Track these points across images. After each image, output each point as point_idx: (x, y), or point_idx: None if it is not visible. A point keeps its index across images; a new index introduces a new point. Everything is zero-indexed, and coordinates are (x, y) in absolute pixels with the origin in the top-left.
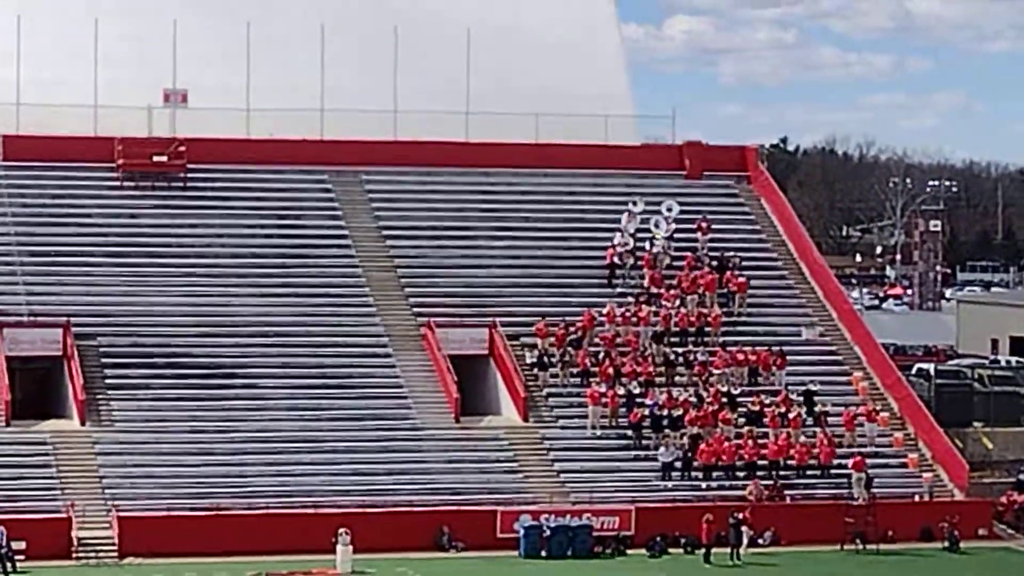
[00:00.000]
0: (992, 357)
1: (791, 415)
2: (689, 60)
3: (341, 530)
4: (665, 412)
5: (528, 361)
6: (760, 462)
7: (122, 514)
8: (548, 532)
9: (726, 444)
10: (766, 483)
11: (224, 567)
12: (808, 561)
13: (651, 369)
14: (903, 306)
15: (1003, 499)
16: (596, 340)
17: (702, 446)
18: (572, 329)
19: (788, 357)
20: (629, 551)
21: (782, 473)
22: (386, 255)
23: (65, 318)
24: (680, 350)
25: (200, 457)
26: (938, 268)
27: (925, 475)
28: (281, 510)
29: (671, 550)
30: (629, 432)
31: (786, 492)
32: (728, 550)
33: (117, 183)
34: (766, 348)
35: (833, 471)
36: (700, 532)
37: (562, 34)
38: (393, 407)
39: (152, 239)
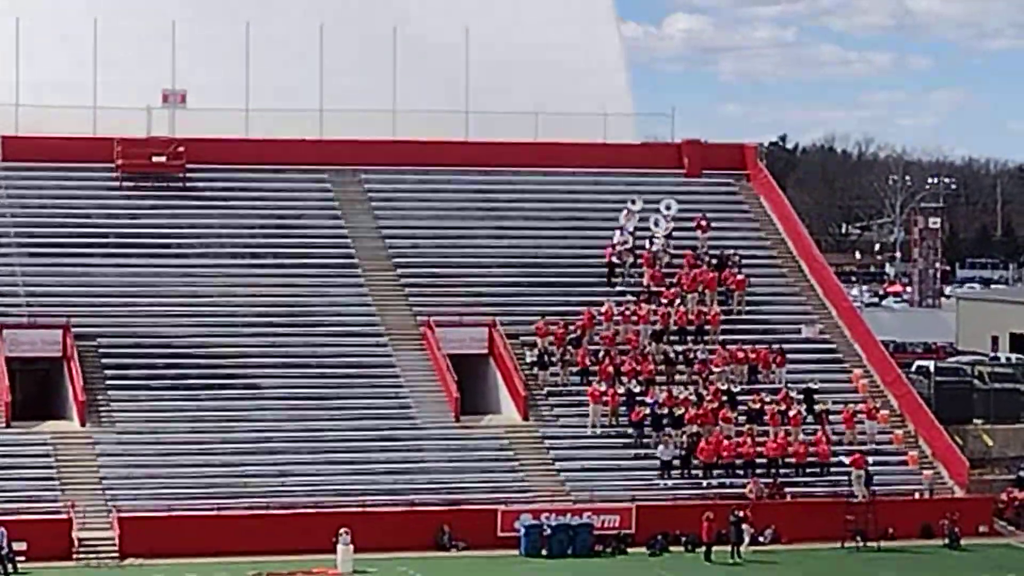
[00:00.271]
0: (992, 354)
1: (791, 413)
2: (688, 58)
3: (342, 530)
4: (665, 410)
5: (528, 360)
6: (759, 460)
7: (122, 515)
8: (549, 531)
9: (726, 442)
10: (766, 481)
11: (225, 567)
12: (808, 559)
13: (651, 368)
14: (903, 303)
15: (1003, 496)
16: (596, 339)
17: (702, 444)
18: (572, 328)
19: (788, 355)
20: (630, 549)
21: (782, 471)
22: (385, 255)
23: (65, 319)
24: (680, 348)
25: (200, 457)
26: (937, 265)
27: (925, 472)
28: (282, 510)
29: (672, 548)
30: (629, 431)
31: (786, 490)
32: (729, 548)
33: (116, 184)
34: (766, 346)
35: (833, 469)
36: (701, 530)
37: (561, 33)
38: (393, 406)
39: (151, 239)
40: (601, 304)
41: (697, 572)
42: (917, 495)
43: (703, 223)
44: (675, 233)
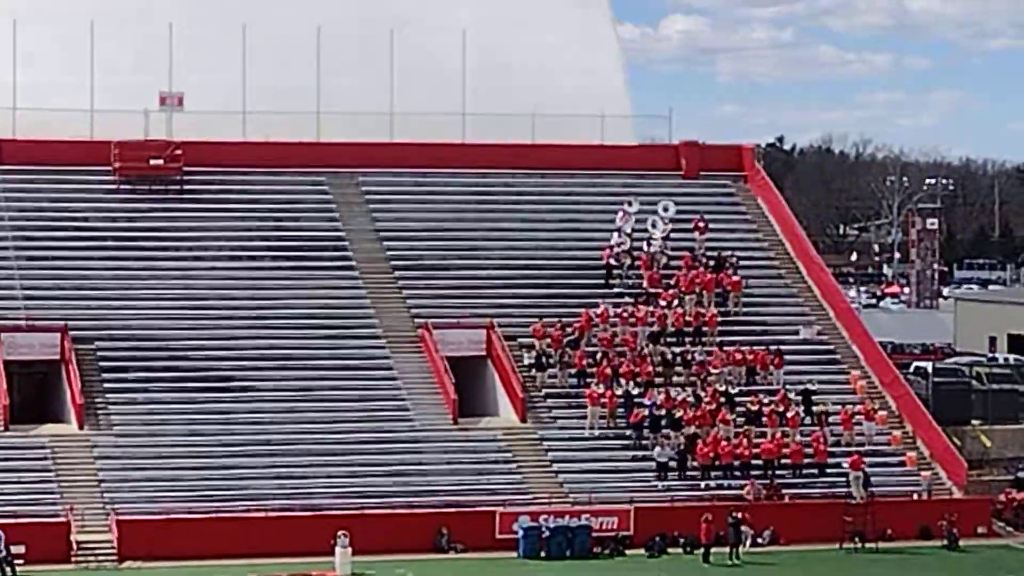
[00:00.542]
0: (990, 355)
1: (789, 414)
2: (685, 60)
3: (340, 532)
4: (663, 412)
5: (526, 362)
6: (757, 461)
7: (121, 517)
8: (547, 533)
9: (723, 443)
10: (763, 482)
11: (223, 570)
12: (807, 560)
13: (649, 369)
14: (900, 304)
15: (1002, 497)
16: (594, 341)
17: (700, 446)
18: (569, 330)
19: (786, 356)
20: (628, 551)
21: (780, 472)
22: (383, 257)
23: (63, 322)
24: (678, 350)
25: (198, 460)
26: (935, 266)
27: (923, 473)
28: (280, 513)
29: (670, 550)
30: (628, 432)
31: (784, 491)
32: (727, 549)
33: (114, 187)
34: (764, 347)
35: (831, 470)
36: (699, 532)
37: (558, 35)
38: (391, 409)
39: (149, 242)
40: (599, 306)
41: (695, 573)
42: (915, 496)
43: (701, 224)
44: (673, 234)
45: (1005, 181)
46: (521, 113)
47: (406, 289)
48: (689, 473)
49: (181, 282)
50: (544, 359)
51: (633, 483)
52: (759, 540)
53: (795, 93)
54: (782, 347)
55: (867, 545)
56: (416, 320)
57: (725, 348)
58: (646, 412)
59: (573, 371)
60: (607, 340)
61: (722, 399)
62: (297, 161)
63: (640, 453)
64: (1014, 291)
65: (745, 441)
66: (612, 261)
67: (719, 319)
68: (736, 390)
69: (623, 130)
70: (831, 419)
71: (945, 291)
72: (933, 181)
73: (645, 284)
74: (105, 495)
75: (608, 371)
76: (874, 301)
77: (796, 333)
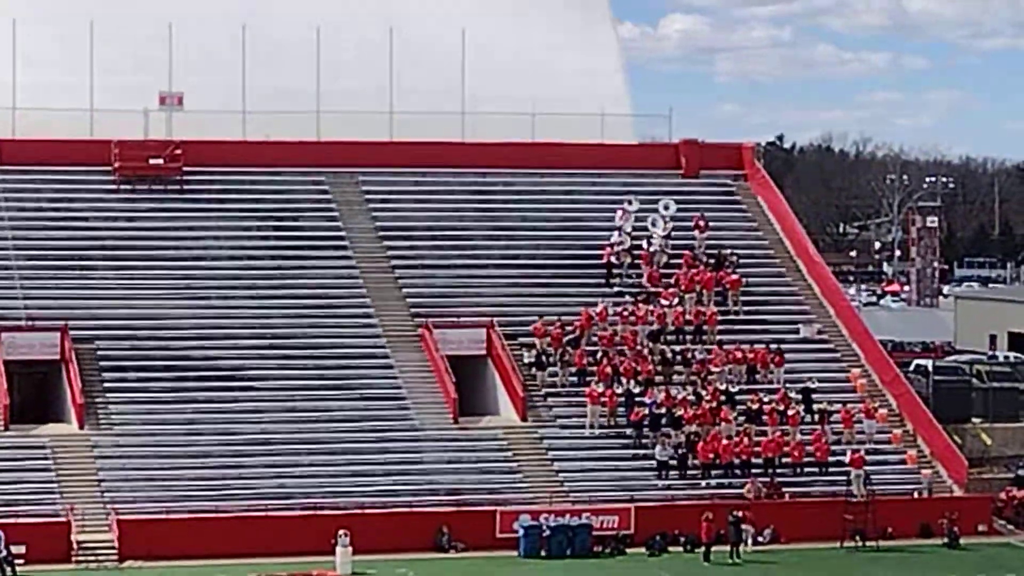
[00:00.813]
0: (990, 353)
1: (790, 413)
2: (685, 59)
3: (340, 532)
4: (664, 411)
5: (526, 361)
6: (758, 460)
7: (121, 517)
8: (547, 532)
9: (724, 442)
10: (764, 481)
11: (224, 570)
12: (807, 558)
13: (649, 368)
14: (901, 303)
15: (1002, 495)
16: (594, 339)
17: (700, 444)
18: (569, 328)
19: (786, 355)
20: (629, 550)
21: (780, 471)
22: (383, 256)
23: (63, 322)
24: (678, 348)
25: (199, 459)
26: (935, 264)
27: (924, 471)
28: (280, 512)
29: (671, 549)
30: (628, 431)
31: (784, 489)
32: (728, 548)
33: (114, 186)
34: (764, 346)
35: (832, 468)
36: (700, 531)
37: (558, 34)
38: (391, 408)
39: (149, 242)
40: (598, 305)
41: (696, 572)
42: (916, 494)
43: (701, 223)
44: (673, 233)
45: (1005, 179)
46: (521, 112)
47: (406, 288)
48: (690, 472)
49: (181, 282)
50: (544, 358)
51: (633, 482)
52: (760, 539)
53: (794, 92)
54: (782, 345)
55: (868, 544)
56: (416, 319)
57: (725, 347)
58: (646, 411)
59: (573, 370)
60: (607, 339)
61: (722, 398)
62: (297, 160)
63: (640, 452)
64: (1014, 289)
65: (746, 440)
66: (612, 260)
67: (719, 317)
68: (736, 389)
69: (623, 129)
70: (831, 418)
71: (945, 289)
72: (933, 179)
73: (645, 283)
74: (105, 495)
75: (608, 370)
76: (874, 299)
77: (796, 331)
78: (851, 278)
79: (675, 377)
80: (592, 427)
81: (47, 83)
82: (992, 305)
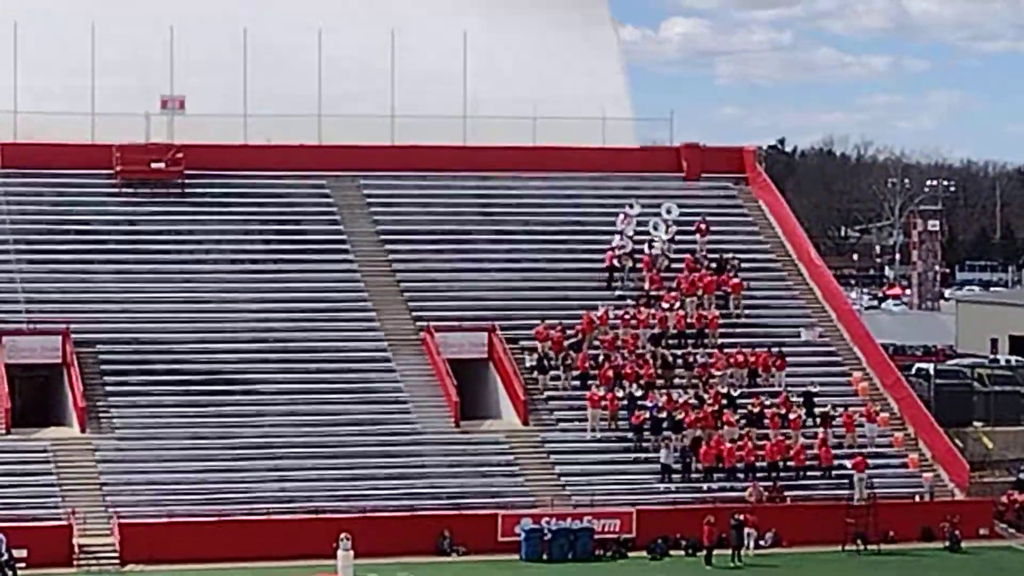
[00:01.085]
0: (991, 356)
1: (791, 416)
2: (686, 62)
3: (342, 535)
4: (665, 414)
5: (528, 364)
6: (759, 463)
7: (123, 521)
8: (549, 535)
9: (726, 446)
10: (766, 484)
11: (225, 574)
12: (809, 562)
13: (651, 372)
14: (902, 306)
15: (1004, 498)
16: (596, 343)
17: (702, 448)
18: (570, 332)
19: (788, 358)
20: (630, 554)
21: (782, 474)
22: (385, 260)
23: (64, 326)
24: (679, 352)
25: (200, 463)
26: (937, 268)
27: (925, 475)
28: (282, 516)
29: (672, 552)
30: (629, 435)
31: (786, 493)
32: (729, 552)
33: (115, 190)
34: (765, 349)
35: (833, 472)
36: (701, 534)
37: (559, 37)
38: (393, 412)
39: (150, 246)
40: (598, 309)
41: None
42: (917, 498)
43: (702, 227)
44: (675, 237)
45: (1006, 183)
46: (522, 116)
47: (408, 292)
48: (692, 475)
49: (183, 285)
50: (546, 361)
51: (635, 485)
52: (761, 542)
53: (795, 95)
54: (784, 349)
55: (869, 547)
56: (418, 323)
57: (726, 350)
58: (647, 414)
59: (575, 373)
60: (609, 342)
61: (724, 401)
62: (298, 164)
63: (642, 455)
64: (1015, 292)
65: (748, 444)
66: (614, 263)
67: (720, 321)
68: (738, 392)
69: (624, 133)
70: (833, 421)
71: (946, 293)
72: (934, 183)
73: (646, 286)
74: (107, 498)
75: (610, 373)
76: (876, 303)
77: (798, 335)
78: (852, 282)
79: (676, 381)
80: (593, 431)
81: (49, 87)
82: (993, 309)
